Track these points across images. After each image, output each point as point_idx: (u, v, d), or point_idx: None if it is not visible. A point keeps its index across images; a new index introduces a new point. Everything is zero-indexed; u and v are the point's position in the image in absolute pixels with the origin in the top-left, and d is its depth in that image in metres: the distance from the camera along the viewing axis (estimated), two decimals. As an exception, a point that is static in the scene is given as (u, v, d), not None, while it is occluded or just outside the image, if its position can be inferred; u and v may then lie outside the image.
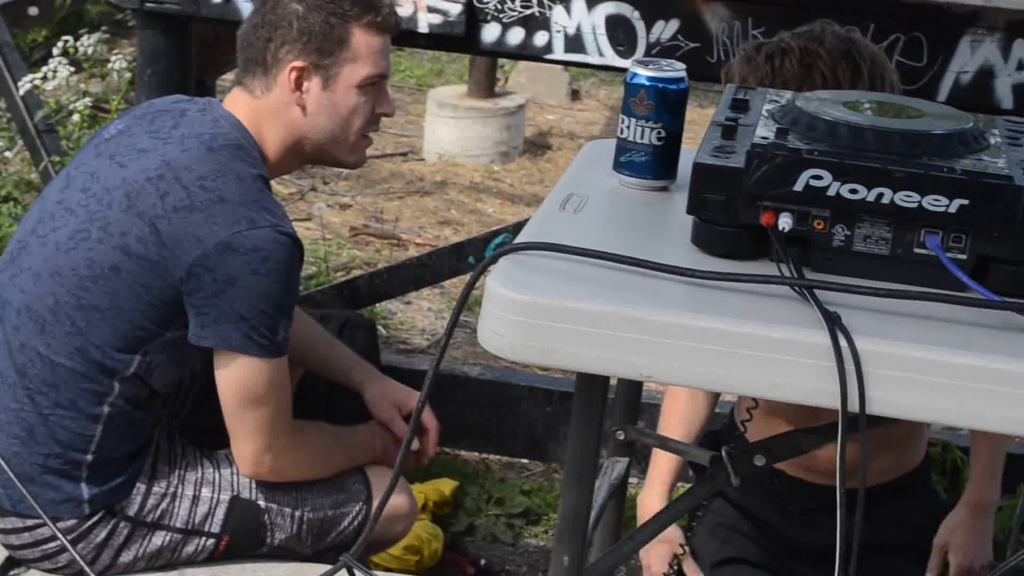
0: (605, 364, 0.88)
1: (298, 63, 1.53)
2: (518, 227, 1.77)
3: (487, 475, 2.48)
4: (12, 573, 1.55)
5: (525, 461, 2.57)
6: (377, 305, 3.05)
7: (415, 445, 1.76)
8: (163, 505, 1.56)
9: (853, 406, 0.80)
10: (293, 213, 3.53)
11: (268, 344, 1.49)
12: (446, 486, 2.32)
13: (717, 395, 1.78)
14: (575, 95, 5.70)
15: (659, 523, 1.07)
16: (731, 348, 0.83)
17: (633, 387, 1.25)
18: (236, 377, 1.50)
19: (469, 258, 2.41)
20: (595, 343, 0.86)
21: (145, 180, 1.48)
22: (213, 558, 1.59)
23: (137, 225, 1.47)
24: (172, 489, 1.57)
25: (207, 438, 1.68)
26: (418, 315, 3.40)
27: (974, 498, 1.72)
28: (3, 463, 1.49)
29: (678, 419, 1.74)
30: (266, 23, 1.56)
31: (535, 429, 2.38)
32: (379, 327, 3.02)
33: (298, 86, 1.55)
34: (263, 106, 1.58)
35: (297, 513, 1.63)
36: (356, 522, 1.67)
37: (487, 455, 2.54)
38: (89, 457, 1.49)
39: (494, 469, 2.52)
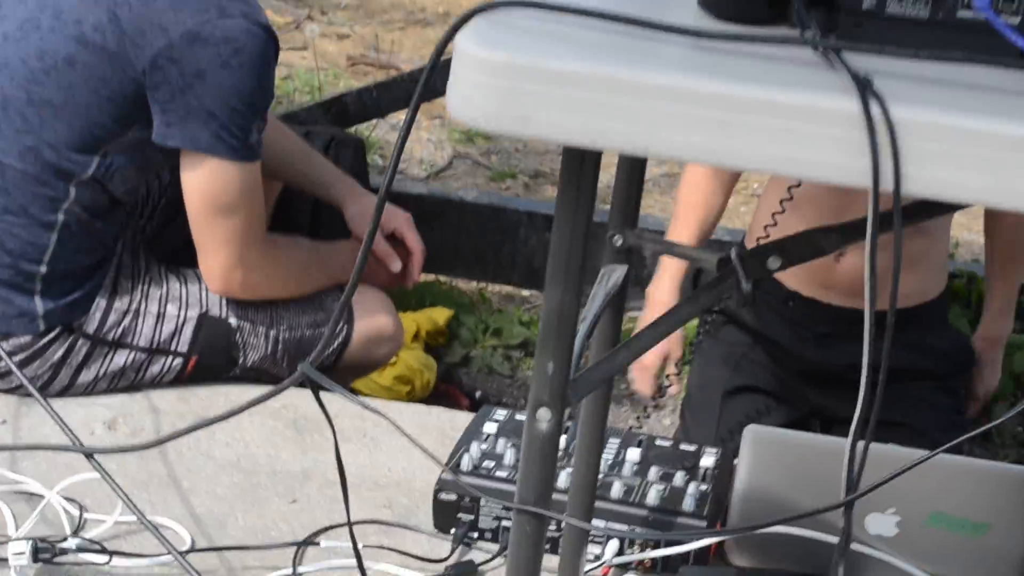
0: (592, 135, 0.76)
1: None
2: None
3: (484, 305, 2.38)
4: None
5: (524, 292, 2.47)
6: (373, 134, 2.91)
7: (397, 267, 1.68)
8: (125, 322, 1.47)
9: (886, 184, 0.68)
10: (287, 42, 3.36)
11: (239, 145, 1.39)
12: (440, 315, 2.21)
13: (729, 191, 1.73)
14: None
15: (657, 331, 0.95)
16: (742, 115, 0.70)
17: (632, 188, 1.11)
18: (204, 181, 1.41)
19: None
20: (581, 110, 0.74)
21: None
22: (181, 379, 1.52)
23: (94, 12, 1.35)
24: (135, 306, 1.48)
25: (176, 256, 1.59)
26: (416, 145, 3.26)
27: (989, 331, 1.78)
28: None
29: (685, 219, 1.68)
30: None
31: (534, 257, 2.27)
32: (376, 157, 2.90)
33: None
34: None
35: (272, 332, 1.55)
36: (336, 343, 1.59)
37: (484, 284, 2.43)
38: (43, 269, 1.40)
39: (491, 299, 2.42)
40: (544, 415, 0.86)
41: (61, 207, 1.40)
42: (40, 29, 1.38)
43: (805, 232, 0.89)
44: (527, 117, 0.75)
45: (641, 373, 1.68)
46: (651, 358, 1.63)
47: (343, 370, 1.62)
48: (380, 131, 2.99)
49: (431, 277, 2.33)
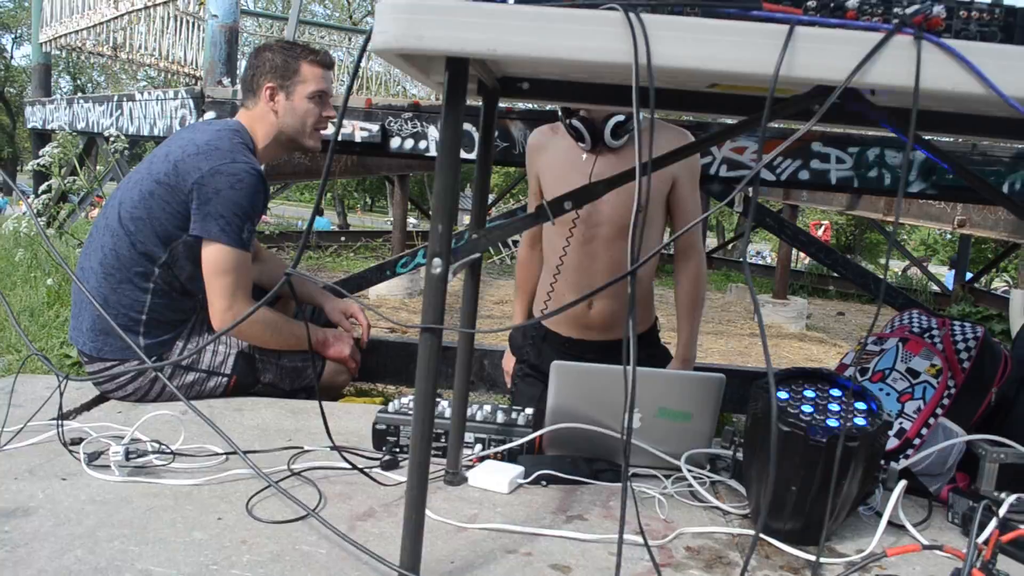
0: (461, 43, 1.10)
1: (270, 84, 2.30)
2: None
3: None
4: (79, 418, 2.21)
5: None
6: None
7: (357, 333, 2.48)
8: (194, 355, 2.22)
9: (642, 59, 1.06)
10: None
11: (235, 237, 2.16)
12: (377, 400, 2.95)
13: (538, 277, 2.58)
14: None
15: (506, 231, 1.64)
16: (554, 24, 1.10)
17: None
18: (211, 256, 2.17)
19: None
20: (453, 27, 1.09)
21: (177, 146, 2.21)
22: (226, 392, 2.26)
23: (164, 165, 2.19)
24: (200, 345, 2.24)
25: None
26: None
27: (681, 355, 2.50)
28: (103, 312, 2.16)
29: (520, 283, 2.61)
30: (251, 66, 2.34)
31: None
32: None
33: (271, 98, 2.30)
34: (253, 114, 2.34)
35: (279, 362, 2.31)
36: (315, 369, 2.35)
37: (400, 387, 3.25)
38: (143, 317, 2.17)
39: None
40: (437, 263, 1.21)
41: (151, 279, 2.18)
42: (140, 178, 2.21)
43: (585, 186, 1.34)
44: (421, 36, 1.10)
45: (505, 375, 2.52)
46: (507, 367, 2.49)
47: (323, 389, 2.36)
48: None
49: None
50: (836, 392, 1.60)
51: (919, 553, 1.53)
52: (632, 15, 1.11)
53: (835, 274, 9.33)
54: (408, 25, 1.11)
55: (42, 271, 4.32)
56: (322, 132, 2.42)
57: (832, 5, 1.24)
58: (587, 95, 1.69)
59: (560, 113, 2.34)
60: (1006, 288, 12.12)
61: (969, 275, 8.78)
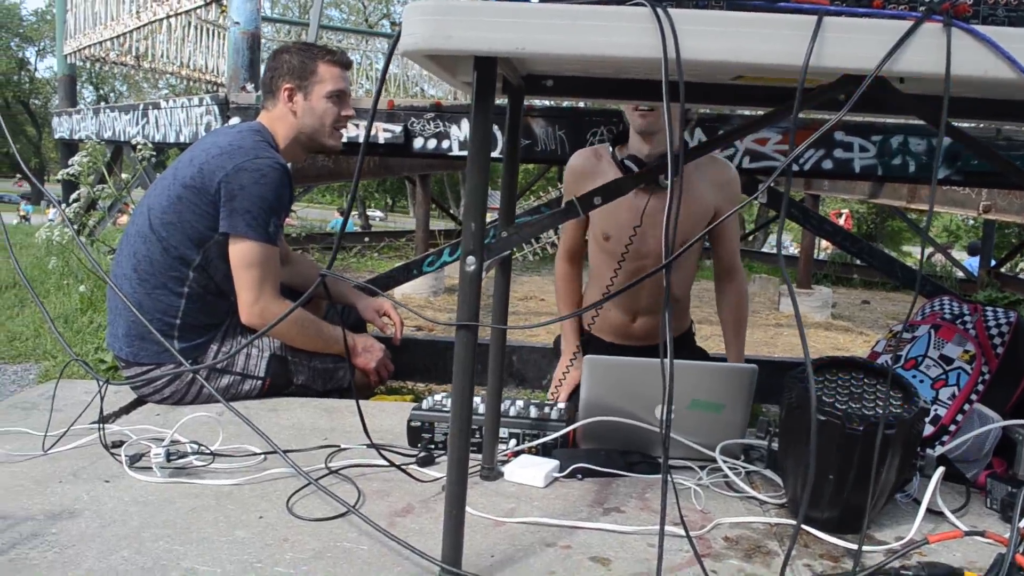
0: (489, 42, 1.11)
1: (288, 85, 2.31)
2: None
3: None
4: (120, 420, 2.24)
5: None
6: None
7: (390, 329, 2.49)
8: (229, 358, 2.25)
9: (670, 52, 1.06)
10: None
11: (262, 232, 2.18)
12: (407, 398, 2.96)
13: (580, 294, 2.63)
14: None
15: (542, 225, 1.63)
16: (584, 21, 1.10)
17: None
18: (239, 250, 2.19)
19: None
20: (482, 27, 1.10)
21: (201, 150, 2.24)
22: (261, 394, 2.28)
23: (190, 169, 2.21)
24: (234, 349, 2.26)
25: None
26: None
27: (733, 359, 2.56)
28: (139, 316, 2.20)
29: (564, 298, 2.60)
30: (270, 68, 2.36)
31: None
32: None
33: (289, 99, 2.32)
34: (273, 115, 2.35)
35: (311, 364, 2.32)
36: (346, 374, 2.36)
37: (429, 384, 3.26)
38: (178, 321, 2.20)
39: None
40: (471, 261, 1.22)
41: (185, 283, 2.20)
42: (167, 184, 2.23)
43: (615, 181, 1.38)
44: (449, 36, 1.10)
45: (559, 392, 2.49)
46: (562, 393, 2.48)
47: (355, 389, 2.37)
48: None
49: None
50: (871, 380, 1.60)
51: (960, 540, 1.52)
52: (659, 10, 1.11)
53: (859, 263, 9.27)
54: (436, 26, 1.11)
55: (75, 278, 4.38)
56: (344, 132, 2.43)
57: (859, -6, 1.24)
58: (613, 91, 1.69)
59: (610, 147, 2.44)
60: (1033, 273, 11.97)
61: (993, 262, 8.67)
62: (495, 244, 1.32)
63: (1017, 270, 12.13)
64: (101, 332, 3.52)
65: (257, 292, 2.19)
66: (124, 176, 4.46)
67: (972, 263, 10.44)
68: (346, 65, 2.39)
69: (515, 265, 11.38)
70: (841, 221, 17.80)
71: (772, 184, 3.80)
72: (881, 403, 1.52)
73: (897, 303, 8.93)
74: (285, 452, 1.75)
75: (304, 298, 1.50)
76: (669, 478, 1.76)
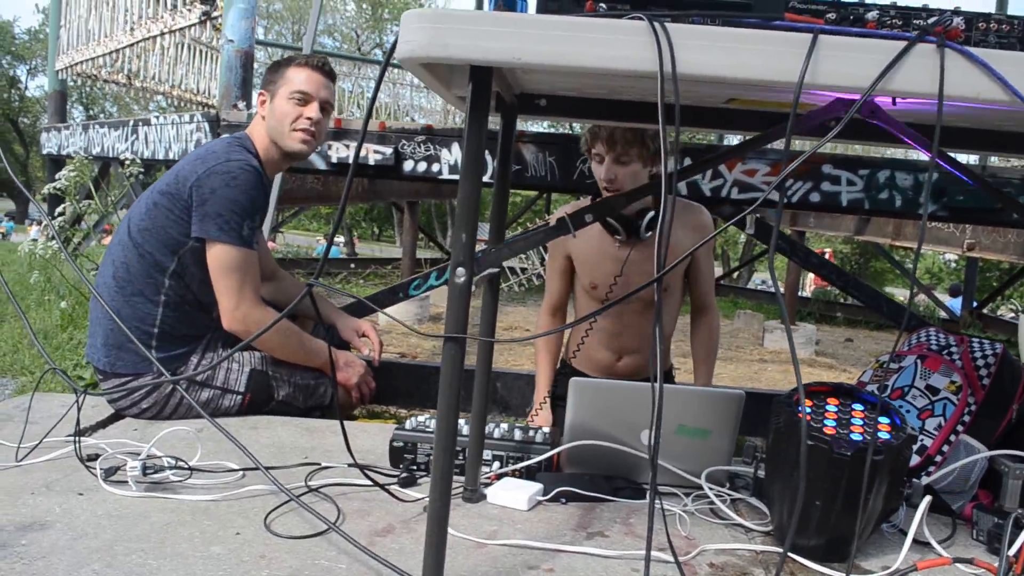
0: (483, 51, 1.10)
1: (261, 92, 2.31)
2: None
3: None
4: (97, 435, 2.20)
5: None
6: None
7: (366, 350, 2.48)
8: (209, 372, 2.21)
9: (667, 67, 1.06)
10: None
11: (235, 235, 2.14)
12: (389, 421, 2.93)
13: (560, 344, 2.73)
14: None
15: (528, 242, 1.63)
16: (581, 33, 1.10)
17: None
18: (214, 255, 2.15)
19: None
20: (478, 37, 1.09)
21: (182, 162, 2.22)
22: (241, 410, 2.24)
23: (168, 177, 2.20)
24: (216, 360, 2.23)
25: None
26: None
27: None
28: (122, 328, 2.16)
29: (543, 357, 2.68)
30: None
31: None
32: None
33: (262, 104, 2.31)
34: (254, 124, 2.35)
35: (292, 380, 2.29)
36: (327, 390, 2.33)
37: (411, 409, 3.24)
38: (156, 330, 2.16)
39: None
40: (461, 272, 1.19)
41: (162, 290, 2.17)
42: (148, 194, 2.21)
43: (604, 199, 1.45)
44: (446, 44, 1.09)
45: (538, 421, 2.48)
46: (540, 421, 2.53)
47: (335, 408, 2.34)
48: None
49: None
50: (858, 407, 1.58)
51: (948, 568, 1.50)
52: (656, 24, 1.11)
53: (844, 300, 9.31)
54: (434, 34, 1.12)
55: (56, 294, 4.33)
56: (309, 138, 2.31)
57: (852, 17, 1.25)
58: (604, 112, 1.70)
59: (592, 201, 2.58)
60: (1014, 315, 12.07)
61: (975, 304, 8.74)
62: (486, 256, 1.31)
63: (999, 312, 12.24)
64: (80, 348, 3.47)
65: (237, 298, 2.15)
66: (112, 197, 4.44)
67: (954, 304, 10.52)
68: (318, 67, 2.31)
69: (500, 296, 11.37)
70: (823, 260, 17.91)
71: (760, 216, 3.82)
72: (868, 429, 1.51)
73: (880, 342, 8.96)
74: (266, 469, 1.71)
75: (290, 307, 1.47)
76: (658, 502, 1.74)
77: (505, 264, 12.65)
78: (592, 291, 2.61)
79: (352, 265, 9.75)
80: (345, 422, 2.26)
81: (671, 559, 1.47)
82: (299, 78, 2.29)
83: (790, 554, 1.54)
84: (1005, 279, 9.47)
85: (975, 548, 1.66)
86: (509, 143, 1.68)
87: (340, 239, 24.41)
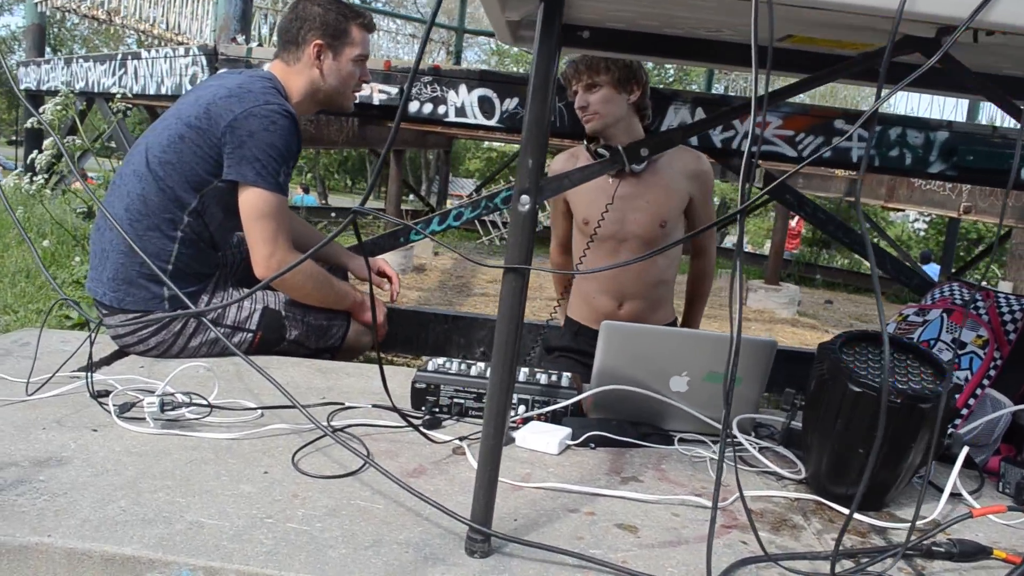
0: None
1: (319, 42, 2.21)
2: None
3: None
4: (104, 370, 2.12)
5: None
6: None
7: (386, 286, 2.43)
8: (220, 309, 2.14)
9: None
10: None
11: (272, 181, 2.06)
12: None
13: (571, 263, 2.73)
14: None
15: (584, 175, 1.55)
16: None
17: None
18: (250, 200, 2.07)
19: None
20: None
21: (208, 91, 2.12)
22: (251, 350, 2.17)
23: (195, 109, 2.08)
24: (225, 301, 2.15)
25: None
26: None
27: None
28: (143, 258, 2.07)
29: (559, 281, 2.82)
30: (298, 18, 2.24)
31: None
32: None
33: (318, 56, 2.21)
34: (292, 70, 2.25)
35: (305, 319, 2.22)
36: (340, 332, 2.27)
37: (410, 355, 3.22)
38: (169, 267, 2.08)
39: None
40: (525, 200, 1.15)
41: (179, 227, 2.08)
42: (168, 124, 2.11)
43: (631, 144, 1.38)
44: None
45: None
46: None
47: (346, 350, 2.29)
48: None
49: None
50: (901, 355, 1.56)
51: (978, 520, 1.50)
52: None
53: (822, 264, 9.30)
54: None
55: (38, 233, 4.19)
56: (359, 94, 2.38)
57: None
58: (648, 47, 1.63)
59: (585, 142, 2.60)
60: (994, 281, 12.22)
61: (953, 270, 8.83)
62: (548, 184, 1.22)
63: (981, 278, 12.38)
64: (66, 287, 3.37)
65: (272, 244, 2.08)
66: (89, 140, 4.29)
67: (931, 270, 10.63)
68: (373, 29, 2.34)
69: (486, 250, 11.31)
70: (794, 224, 17.98)
71: (769, 169, 3.76)
72: (913, 377, 1.49)
73: (860, 304, 9.05)
74: (284, 408, 1.65)
75: (319, 246, 1.39)
76: (687, 448, 1.73)
77: (487, 218, 12.54)
78: (584, 227, 2.61)
79: (333, 214, 9.62)
80: (361, 364, 2.22)
81: (708, 504, 1.45)
82: (364, 41, 2.29)
83: (828, 502, 1.52)
84: (976, 253, 9.57)
85: (1003, 501, 1.66)
86: (550, 74, 1.61)
87: (316, 191, 24.10)
